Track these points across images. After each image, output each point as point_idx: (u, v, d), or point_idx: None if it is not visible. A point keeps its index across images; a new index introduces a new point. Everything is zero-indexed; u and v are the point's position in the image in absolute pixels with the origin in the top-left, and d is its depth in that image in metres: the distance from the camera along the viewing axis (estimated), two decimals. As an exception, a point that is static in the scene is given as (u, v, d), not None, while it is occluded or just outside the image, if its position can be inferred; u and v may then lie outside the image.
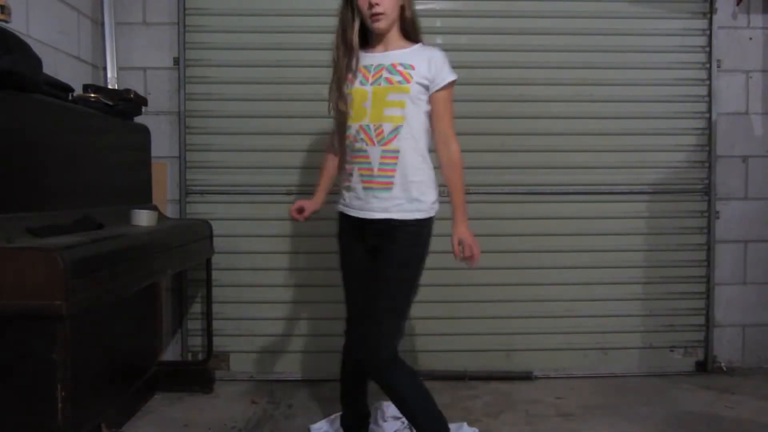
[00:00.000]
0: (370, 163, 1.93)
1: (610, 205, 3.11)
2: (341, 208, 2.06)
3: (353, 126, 1.95)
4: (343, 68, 1.94)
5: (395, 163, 1.91)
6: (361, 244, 2.02)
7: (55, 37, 2.53)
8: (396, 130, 1.91)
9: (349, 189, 2.00)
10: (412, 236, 1.94)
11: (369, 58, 1.96)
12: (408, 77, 1.90)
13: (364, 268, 2.01)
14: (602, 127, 3.10)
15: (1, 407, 1.69)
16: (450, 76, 1.94)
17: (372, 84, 1.93)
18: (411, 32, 1.99)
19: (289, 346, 3.08)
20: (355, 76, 1.95)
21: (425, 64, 1.92)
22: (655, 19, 3.10)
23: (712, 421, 2.52)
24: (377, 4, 1.86)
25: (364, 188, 1.95)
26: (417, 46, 1.98)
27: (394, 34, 1.97)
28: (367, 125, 1.92)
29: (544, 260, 3.10)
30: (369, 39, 1.99)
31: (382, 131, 1.91)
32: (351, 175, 1.98)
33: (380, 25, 1.90)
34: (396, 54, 1.95)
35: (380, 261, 1.94)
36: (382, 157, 1.92)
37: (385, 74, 1.92)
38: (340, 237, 2.10)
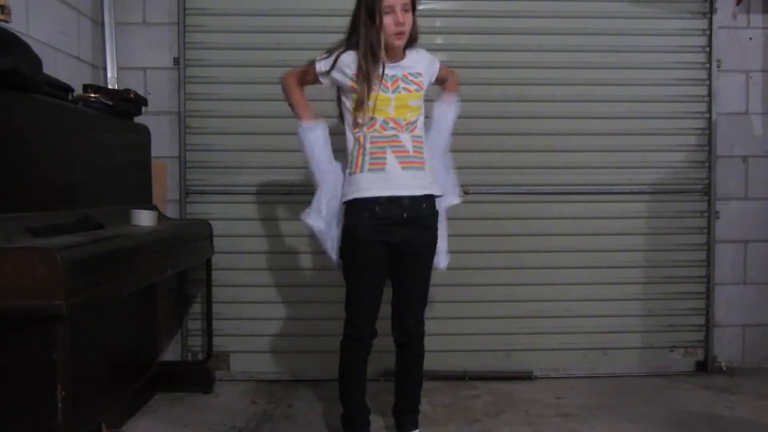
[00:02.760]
0: (404, 146, 2.10)
1: (610, 205, 3.12)
2: (370, 192, 2.07)
3: (378, 118, 2.10)
4: (372, 79, 2.07)
5: (422, 147, 2.14)
6: (386, 237, 2.08)
7: (55, 37, 2.53)
8: (416, 121, 2.14)
9: (382, 170, 2.08)
10: (436, 216, 2.18)
11: (386, 69, 2.11)
12: (420, 84, 2.15)
13: (385, 261, 2.12)
14: (602, 127, 3.10)
15: (1, 407, 1.69)
16: (437, 61, 2.28)
17: (393, 92, 2.11)
18: (410, 42, 2.18)
19: (289, 346, 3.08)
20: (377, 85, 2.09)
21: (424, 68, 2.20)
22: (655, 19, 3.10)
23: (712, 421, 2.52)
24: (403, 24, 2.05)
25: (403, 168, 2.09)
26: (411, 52, 2.20)
27: (401, 51, 2.17)
28: (394, 117, 2.10)
29: (544, 260, 3.10)
30: None
31: (409, 121, 2.12)
32: (383, 158, 2.09)
33: (402, 42, 2.10)
34: (404, 65, 2.15)
35: (416, 254, 2.14)
36: (413, 141, 2.12)
37: (402, 84, 2.12)
38: (356, 231, 2.09)
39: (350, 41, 2.11)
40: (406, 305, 2.20)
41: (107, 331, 2.35)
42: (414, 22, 2.13)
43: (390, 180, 2.07)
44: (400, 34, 2.05)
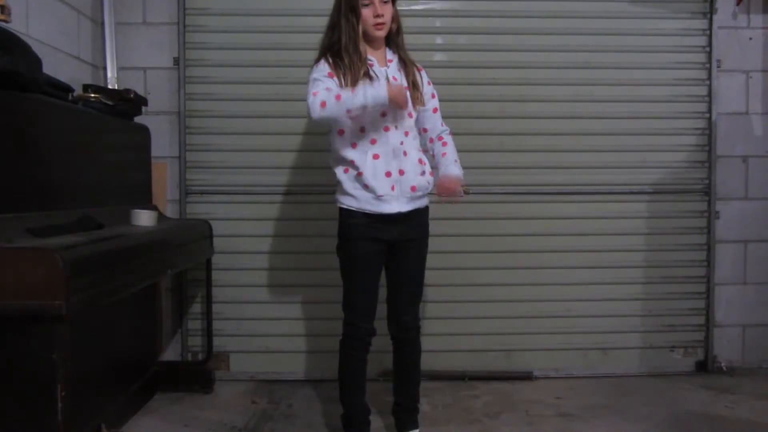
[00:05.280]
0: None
1: (610, 205, 3.11)
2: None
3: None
4: (358, 74, 2.06)
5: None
6: (380, 238, 2.11)
7: (55, 37, 2.53)
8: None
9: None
10: (427, 211, 2.23)
11: (374, 67, 2.12)
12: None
13: (380, 260, 2.17)
14: (602, 127, 3.10)
15: (1, 407, 1.70)
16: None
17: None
18: (395, 42, 2.19)
19: (289, 346, 3.08)
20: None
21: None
22: (655, 19, 3.10)
23: (712, 421, 2.52)
24: (382, 15, 2.07)
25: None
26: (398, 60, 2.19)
27: (383, 43, 2.17)
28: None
29: (544, 260, 3.10)
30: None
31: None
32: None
33: (382, 33, 2.11)
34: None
35: (409, 249, 2.18)
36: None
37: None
38: (353, 234, 2.13)
39: (332, 37, 2.11)
40: (401, 301, 2.22)
41: (107, 331, 2.35)
42: (395, 17, 2.14)
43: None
44: (379, 24, 2.08)
